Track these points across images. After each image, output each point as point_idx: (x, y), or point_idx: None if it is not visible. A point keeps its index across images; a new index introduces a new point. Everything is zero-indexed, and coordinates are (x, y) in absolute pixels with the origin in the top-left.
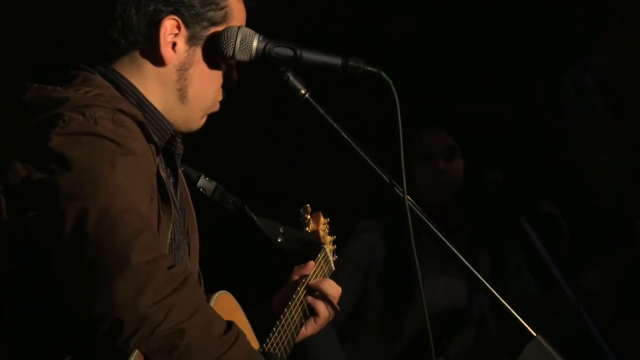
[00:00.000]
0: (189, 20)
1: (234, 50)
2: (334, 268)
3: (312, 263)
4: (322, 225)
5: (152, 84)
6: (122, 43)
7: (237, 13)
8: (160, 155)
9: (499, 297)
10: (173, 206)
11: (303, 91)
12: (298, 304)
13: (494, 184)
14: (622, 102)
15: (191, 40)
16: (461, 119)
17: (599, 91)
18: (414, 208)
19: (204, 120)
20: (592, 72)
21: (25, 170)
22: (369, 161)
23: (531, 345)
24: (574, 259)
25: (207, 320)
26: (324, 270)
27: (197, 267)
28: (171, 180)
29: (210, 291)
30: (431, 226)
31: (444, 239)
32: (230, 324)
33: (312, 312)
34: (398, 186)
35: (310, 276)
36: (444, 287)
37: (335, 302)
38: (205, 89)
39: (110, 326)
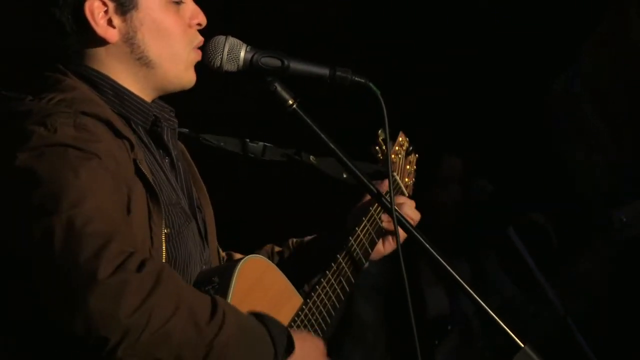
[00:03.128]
0: None
1: (221, 61)
2: (407, 194)
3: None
4: (397, 148)
5: (115, 68)
6: (66, 44)
7: None
8: (145, 143)
9: (486, 307)
10: (167, 191)
11: (291, 101)
12: (359, 244)
13: (481, 193)
14: (611, 108)
15: (122, 8)
16: (449, 128)
17: (589, 97)
18: (402, 219)
19: (191, 72)
20: (581, 79)
21: None
22: (357, 172)
23: (519, 356)
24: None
25: (190, 311)
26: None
27: (215, 242)
28: (166, 160)
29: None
30: (419, 237)
31: (433, 252)
32: (214, 304)
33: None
34: (385, 198)
35: (373, 210)
36: (430, 296)
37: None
38: (166, 42)
39: (94, 342)
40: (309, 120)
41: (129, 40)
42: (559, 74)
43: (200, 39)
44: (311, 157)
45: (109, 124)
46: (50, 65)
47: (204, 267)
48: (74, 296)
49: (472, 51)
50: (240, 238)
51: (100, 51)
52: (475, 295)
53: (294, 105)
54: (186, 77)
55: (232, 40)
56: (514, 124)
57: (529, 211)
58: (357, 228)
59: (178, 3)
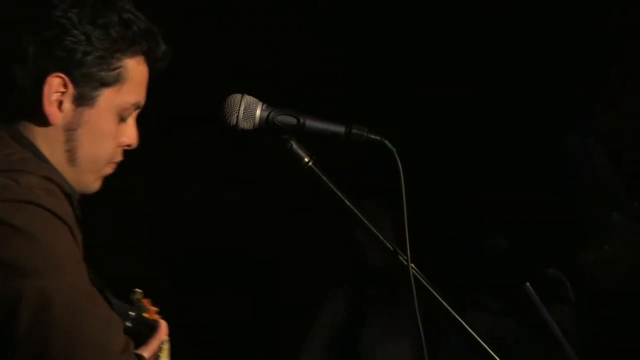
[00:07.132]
0: (79, 79)
1: (237, 119)
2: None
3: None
4: (155, 315)
5: (43, 146)
6: (10, 103)
7: (135, 75)
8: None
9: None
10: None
11: (306, 159)
12: None
13: (495, 249)
14: (627, 161)
15: (79, 100)
16: (462, 184)
17: (603, 153)
18: (418, 276)
19: (99, 182)
20: (595, 134)
21: None
22: (373, 229)
23: None
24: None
25: None
26: None
27: None
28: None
29: None
30: (434, 293)
31: (447, 306)
32: None
33: None
34: (402, 254)
35: None
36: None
37: None
38: (97, 151)
39: None
40: (325, 178)
41: (69, 130)
42: (574, 129)
43: (120, 158)
44: (109, 294)
45: (68, 198)
46: None
47: None
48: None
49: (484, 111)
50: None
51: (35, 127)
52: (492, 352)
53: (310, 163)
54: (92, 187)
55: (247, 98)
56: (530, 180)
57: (545, 267)
58: None
59: (123, 119)
